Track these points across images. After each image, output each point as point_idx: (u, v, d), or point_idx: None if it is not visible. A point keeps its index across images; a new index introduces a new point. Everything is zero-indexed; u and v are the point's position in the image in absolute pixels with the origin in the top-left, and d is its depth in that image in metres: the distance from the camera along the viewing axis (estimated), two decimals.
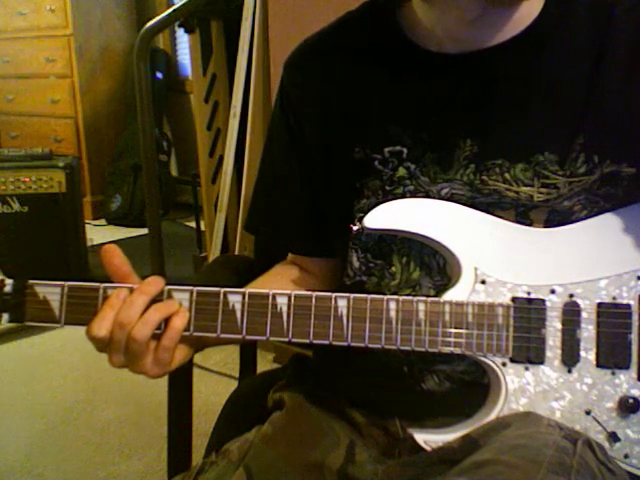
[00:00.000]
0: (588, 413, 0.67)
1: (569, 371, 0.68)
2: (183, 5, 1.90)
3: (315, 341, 0.68)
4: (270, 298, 0.68)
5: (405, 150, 0.75)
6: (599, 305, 0.68)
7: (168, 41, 4.17)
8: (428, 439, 0.69)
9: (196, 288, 0.68)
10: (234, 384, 1.14)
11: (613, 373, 0.68)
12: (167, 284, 0.69)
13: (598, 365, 0.68)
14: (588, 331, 0.68)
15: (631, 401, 0.67)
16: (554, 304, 0.68)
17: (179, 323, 0.67)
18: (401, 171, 0.75)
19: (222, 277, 1.06)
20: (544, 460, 0.57)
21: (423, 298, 0.68)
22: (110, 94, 4.13)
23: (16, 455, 1.78)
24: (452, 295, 0.69)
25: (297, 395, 0.85)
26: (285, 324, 0.68)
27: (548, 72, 0.71)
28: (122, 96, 4.15)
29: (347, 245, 0.81)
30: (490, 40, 0.71)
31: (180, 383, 1.02)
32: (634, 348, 0.68)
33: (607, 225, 0.71)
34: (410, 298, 0.68)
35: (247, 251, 2.16)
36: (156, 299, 0.68)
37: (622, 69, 0.69)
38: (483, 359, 0.68)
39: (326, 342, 0.68)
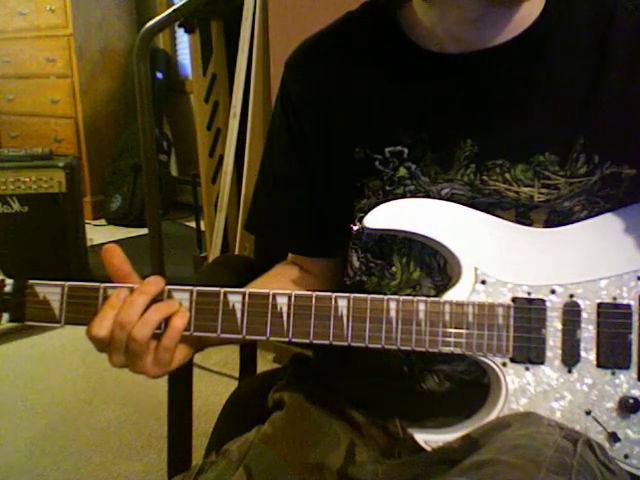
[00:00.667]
0: (588, 413, 0.67)
1: (569, 371, 0.68)
2: (183, 5, 1.90)
3: (315, 341, 0.68)
4: (270, 298, 0.68)
5: (406, 150, 0.75)
6: (599, 305, 0.68)
7: (168, 41, 4.17)
8: (428, 439, 0.69)
9: (196, 288, 0.68)
10: (234, 384, 1.14)
11: (613, 373, 0.68)
12: (167, 284, 0.69)
13: (598, 365, 0.68)
14: (588, 331, 0.68)
15: (631, 401, 0.67)
16: (554, 304, 0.68)
17: (179, 323, 0.67)
18: (402, 171, 0.75)
19: (222, 277, 1.06)
20: (544, 460, 0.57)
21: (423, 298, 0.68)
22: (110, 94, 4.13)
23: (16, 455, 1.78)
24: (452, 295, 0.69)
25: (297, 395, 0.85)
26: (285, 324, 0.68)
27: (549, 72, 0.71)
28: (122, 96, 4.14)
29: (347, 245, 0.81)
30: (491, 40, 0.71)
31: (180, 383, 1.02)
32: (634, 348, 0.68)
33: (607, 225, 0.71)
34: (410, 298, 0.68)
35: (247, 251, 2.16)
36: (156, 299, 0.68)
37: (623, 70, 0.69)
38: (483, 359, 0.68)
39: (326, 342, 0.68)
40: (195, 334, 0.69)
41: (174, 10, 1.90)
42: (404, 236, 0.75)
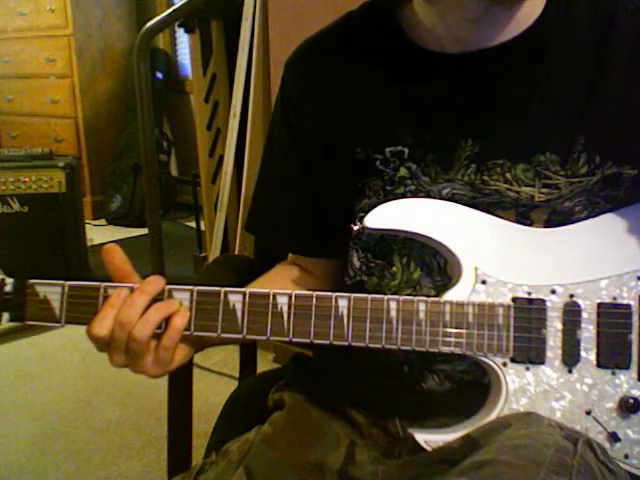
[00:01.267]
0: (588, 413, 0.67)
1: (569, 371, 0.68)
2: (183, 5, 1.90)
3: (316, 341, 0.68)
4: (271, 298, 0.68)
5: (406, 150, 0.75)
6: (599, 305, 0.68)
7: (168, 41, 4.17)
8: (428, 439, 0.69)
9: (197, 288, 0.68)
10: (234, 384, 1.14)
11: (613, 373, 0.68)
12: (167, 284, 0.69)
13: (598, 365, 0.68)
14: (588, 331, 0.68)
15: (631, 401, 0.67)
16: (554, 304, 0.68)
17: (180, 323, 0.67)
18: (402, 171, 0.75)
19: (222, 277, 1.06)
20: (545, 460, 0.57)
21: (424, 298, 0.68)
22: (110, 94, 4.13)
23: (16, 455, 1.78)
24: (452, 295, 0.69)
25: (297, 395, 0.85)
26: (286, 324, 0.68)
27: (549, 72, 0.71)
28: (122, 96, 4.14)
29: (348, 245, 0.81)
30: (491, 40, 0.71)
31: (180, 383, 1.02)
32: (634, 348, 0.68)
33: (607, 225, 0.71)
34: (411, 298, 0.68)
35: (247, 251, 2.16)
36: (157, 299, 0.67)
37: (623, 70, 0.69)
38: (483, 359, 0.68)
39: (327, 342, 0.68)
40: (195, 334, 0.69)
41: (174, 10, 1.90)
42: (404, 236, 0.75)
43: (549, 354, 0.68)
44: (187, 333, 0.68)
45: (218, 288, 0.68)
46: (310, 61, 0.83)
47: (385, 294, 0.69)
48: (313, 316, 0.68)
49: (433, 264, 0.76)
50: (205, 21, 2.32)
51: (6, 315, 0.68)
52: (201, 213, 2.56)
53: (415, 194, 0.75)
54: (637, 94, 0.69)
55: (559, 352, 0.68)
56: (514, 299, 0.68)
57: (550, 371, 0.68)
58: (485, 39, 0.71)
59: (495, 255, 0.70)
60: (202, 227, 2.57)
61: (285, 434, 0.79)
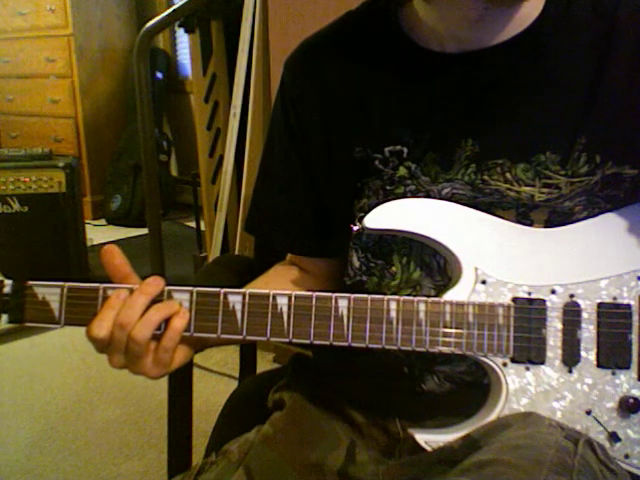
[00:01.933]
0: (589, 413, 0.67)
1: (570, 371, 0.68)
2: (183, 5, 1.90)
3: (316, 341, 0.68)
4: (270, 298, 0.68)
5: (406, 150, 0.74)
6: (599, 305, 0.68)
7: (168, 41, 4.17)
8: (429, 439, 0.69)
9: (196, 289, 0.68)
10: (234, 384, 1.14)
11: (613, 373, 0.68)
12: (167, 284, 0.69)
13: (599, 365, 0.68)
14: (589, 331, 0.68)
15: (631, 401, 0.67)
16: (555, 304, 0.68)
17: (179, 324, 0.67)
18: (402, 171, 0.75)
19: (222, 277, 1.06)
20: (546, 460, 0.57)
21: (424, 298, 0.68)
22: (110, 94, 4.13)
23: (16, 455, 1.78)
24: (452, 295, 0.69)
25: (297, 395, 0.85)
26: (285, 324, 0.68)
27: (549, 71, 0.71)
28: (122, 96, 4.15)
29: (347, 245, 0.81)
30: (492, 39, 0.70)
31: (180, 383, 1.02)
32: (634, 348, 0.67)
33: (607, 225, 0.71)
34: (411, 298, 0.68)
35: (247, 251, 2.16)
36: (156, 299, 0.67)
37: (625, 70, 0.69)
38: (484, 359, 0.68)
39: (327, 342, 0.68)
40: (195, 335, 0.68)
41: (174, 10, 1.90)
42: (404, 236, 0.75)
43: (549, 354, 0.68)
44: (187, 334, 0.68)
45: (218, 289, 0.68)
46: (310, 61, 0.82)
47: (385, 294, 0.69)
48: (313, 317, 0.68)
49: (433, 264, 0.76)
50: (205, 21, 2.31)
51: (5, 317, 0.68)
52: (201, 213, 2.56)
53: (415, 194, 0.75)
54: (638, 94, 0.69)
55: (559, 352, 0.68)
56: (514, 299, 0.68)
57: (550, 371, 0.68)
58: (485, 39, 0.70)
59: (495, 255, 0.70)
60: (202, 227, 2.57)
61: (285, 434, 0.79)
